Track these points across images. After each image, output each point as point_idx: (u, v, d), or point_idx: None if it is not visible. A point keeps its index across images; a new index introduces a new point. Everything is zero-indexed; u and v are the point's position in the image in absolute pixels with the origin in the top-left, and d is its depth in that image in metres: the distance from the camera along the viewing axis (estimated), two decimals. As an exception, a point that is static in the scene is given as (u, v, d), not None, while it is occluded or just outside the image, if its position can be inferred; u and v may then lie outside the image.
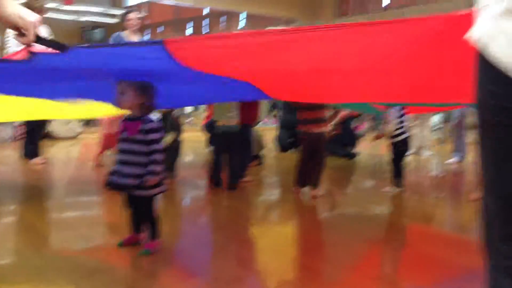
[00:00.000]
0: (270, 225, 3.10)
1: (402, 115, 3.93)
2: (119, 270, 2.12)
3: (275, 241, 2.75)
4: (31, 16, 1.45)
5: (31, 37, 1.45)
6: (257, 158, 5.33)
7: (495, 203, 0.84)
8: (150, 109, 2.34)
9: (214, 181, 3.86)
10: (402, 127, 3.92)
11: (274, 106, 13.24)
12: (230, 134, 3.77)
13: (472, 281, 2.06)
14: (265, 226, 3.06)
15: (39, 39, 1.55)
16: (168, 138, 3.81)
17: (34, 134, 5.07)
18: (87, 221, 2.95)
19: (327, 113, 3.96)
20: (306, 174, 3.74)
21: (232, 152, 3.81)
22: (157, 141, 2.26)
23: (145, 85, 2.29)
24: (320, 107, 3.71)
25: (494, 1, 0.78)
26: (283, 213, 3.42)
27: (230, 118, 3.77)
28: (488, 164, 0.85)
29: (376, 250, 2.57)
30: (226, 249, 2.55)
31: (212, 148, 4.00)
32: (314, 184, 3.70)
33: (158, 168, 2.21)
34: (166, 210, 3.39)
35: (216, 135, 3.89)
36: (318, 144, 3.69)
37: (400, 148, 3.96)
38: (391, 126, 3.85)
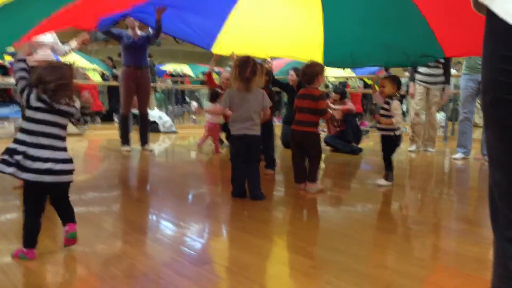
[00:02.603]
0: (278, 216, 3.15)
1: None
2: (134, 258, 2.16)
3: (283, 231, 2.80)
4: None
5: None
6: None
7: (505, 180, 0.88)
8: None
9: (238, 191, 3.42)
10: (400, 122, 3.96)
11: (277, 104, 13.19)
12: (250, 142, 3.40)
13: (479, 270, 2.10)
14: (273, 217, 3.10)
15: None
16: None
17: None
18: (97, 214, 3.00)
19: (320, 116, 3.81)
20: (300, 170, 3.78)
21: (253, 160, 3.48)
22: None
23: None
24: (304, 110, 3.71)
25: None
26: (289, 205, 3.46)
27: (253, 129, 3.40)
28: (497, 141, 0.89)
29: (381, 241, 2.60)
30: (234, 238, 2.59)
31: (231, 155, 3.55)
32: (311, 179, 3.72)
33: None
34: (173, 203, 3.45)
35: (236, 141, 3.45)
36: (304, 142, 3.72)
37: (398, 141, 3.97)
38: (398, 118, 3.87)
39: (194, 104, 11.57)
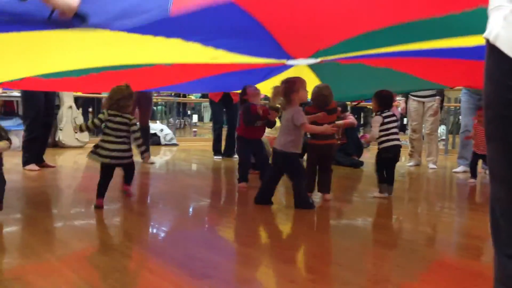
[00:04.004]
0: (279, 229, 3.13)
1: (388, 122, 3.95)
2: (134, 271, 2.16)
3: (283, 244, 2.78)
4: None
5: None
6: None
7: (506, 193, 0.87)
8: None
9: (265, 198, 3.63)
10: (387, 135, 3.93)
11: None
12: (278, 157, 3.59)
13: (479, 285, 2.08)
14: (274, 230, 3.09)
15: None
16: None
17: (33, 142, 5.14)
18: (98, 227, 2.99)
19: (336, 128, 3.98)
20: (313, 181, 3.89)
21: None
22: None
23: None
24: (329, 123, 3.79)
25: (506, 1, 0.82)
26: (290, 217, 3.45)
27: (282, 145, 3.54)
28: (499, 156, 0.89)
29: (382, 255, 2.59)
30: (235, 252, 2.58)
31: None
32: (326, 191, 3.85)
33: None
34: (174, 216, 3.44)
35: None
36: (325, 155, 3.85)
37: (382, 155, 3.97)
38: (373, 133, 3.92)
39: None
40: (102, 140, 3.29)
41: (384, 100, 4.00)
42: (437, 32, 2.91)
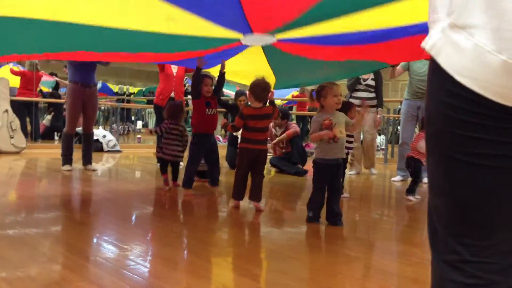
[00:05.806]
0: (224, 239, 3.13)
1: None
2: (74, 283, 2.08)
3: (228, 252, 2.78)
4: None
5: None
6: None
7: (445, 205, 0.92)
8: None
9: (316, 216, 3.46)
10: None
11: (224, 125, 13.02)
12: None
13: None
14: (218, 238, 3.08)
15: None
16: None
17: None
18: (35, 236, 2.87)
19: (270, 134, 4.11)
20: (243, 189, 3.80)
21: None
22: None
23: None
24: (262, 129, 3.82)
25: (445, 15, 0.86)
26: (235, 225, 3.45)
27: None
28: (437, 168, 0.93)
29: (324, 263, 2.64)
30: (181, 262, 2.55)
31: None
32: (257, 198, 3.77)
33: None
34: (116, 225, 3.35)
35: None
36: (256, 160, 3.78)
37: None
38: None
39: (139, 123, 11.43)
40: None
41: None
42: None
